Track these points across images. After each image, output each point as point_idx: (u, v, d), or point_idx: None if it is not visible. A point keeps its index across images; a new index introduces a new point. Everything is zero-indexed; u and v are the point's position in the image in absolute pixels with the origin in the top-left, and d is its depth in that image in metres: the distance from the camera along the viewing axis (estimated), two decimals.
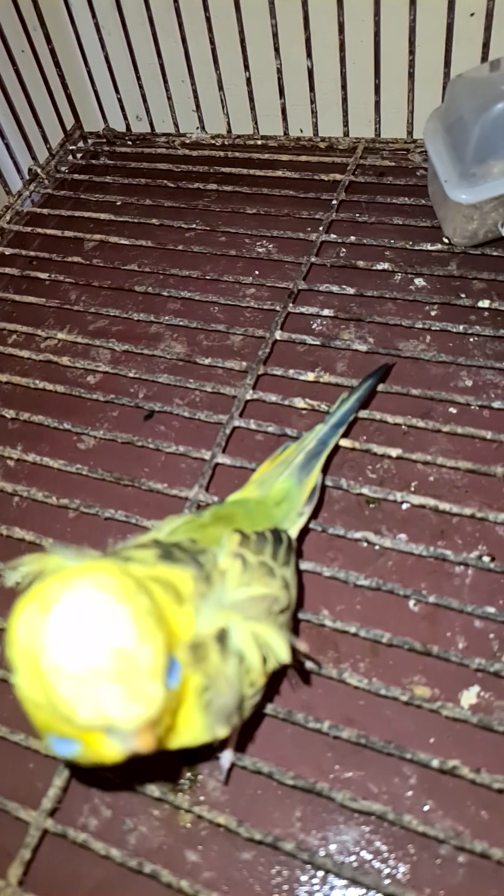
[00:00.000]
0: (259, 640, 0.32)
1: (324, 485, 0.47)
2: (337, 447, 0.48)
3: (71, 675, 0.25)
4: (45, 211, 0.73)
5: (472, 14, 0.63)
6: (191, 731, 0.31)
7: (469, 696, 0.41)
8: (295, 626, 0.43)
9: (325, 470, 0.46)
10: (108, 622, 0.26)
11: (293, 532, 0.42)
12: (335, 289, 0.59)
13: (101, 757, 0.28)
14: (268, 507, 0.42)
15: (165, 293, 0.62)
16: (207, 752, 0.40)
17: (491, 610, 0.41)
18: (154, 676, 0.26)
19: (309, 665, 0.41)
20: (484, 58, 0.62)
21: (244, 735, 0.40)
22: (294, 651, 0.33)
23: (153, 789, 0.38)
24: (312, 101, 0.70)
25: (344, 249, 0.64)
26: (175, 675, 0.28)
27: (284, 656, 0.31)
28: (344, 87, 0.69)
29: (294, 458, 0.44)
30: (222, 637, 0.31)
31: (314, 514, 0.45)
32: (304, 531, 0.45)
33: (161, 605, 0.29)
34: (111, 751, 0.27)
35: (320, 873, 0.37)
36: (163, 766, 0.35)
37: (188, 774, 0.40)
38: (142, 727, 0.26)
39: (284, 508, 0.42)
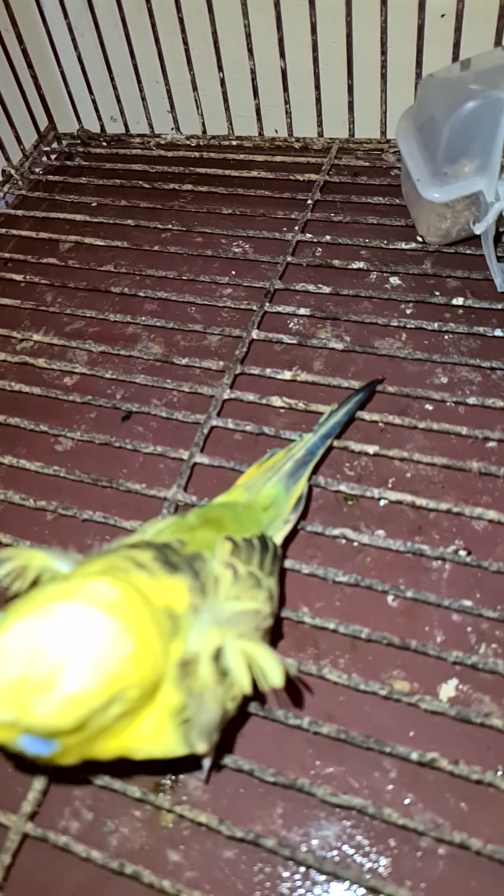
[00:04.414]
0: (250, 659, 0.31)
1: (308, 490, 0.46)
2: (324, 455, 0.48)
3: (20, 634, 0.26)
4: (19, 212, 0.72)
5: (442, 15, 0.64)
6: (162, 745, 0.31)
7: (447, 689, 0.41)
8: (276, 626, 0.43)
9: (309, 478, 0.46)
10: (88, 649, 0.27)
11: (278, 539, 0.42)
12: (311, 288, 0.59)
13: None
14: (255, 512, 0.42)
15: (142, 294, 0.62)
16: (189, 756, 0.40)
17: (468, 603, 0.42)
18: (45, 712, 0.26)
19: (288, 662, 0.41)
20: (455, 58, 0.63)
21: (224, 734, 0.40)
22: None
23: (134, 790, 0.38)
24: (286, 102, 0.71)
25: (320, 249, 0.65)
26: (40, 749, 0.28)
27: (278, 681, 0.31)
28: (317, 88, 0.69)
29: (282, 465, 0.44)
30: (217, 656, 0.31)
31: (299, 519, 0.45)
32: None
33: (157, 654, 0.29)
34: None
35: (302, 869, 0.37)
36: (143, 766, 0.35)
37: (169, 774, 0.40)
38: None
39: (271, 514, 0.42)
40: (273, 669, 0.31)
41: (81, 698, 0.26)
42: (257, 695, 0.39)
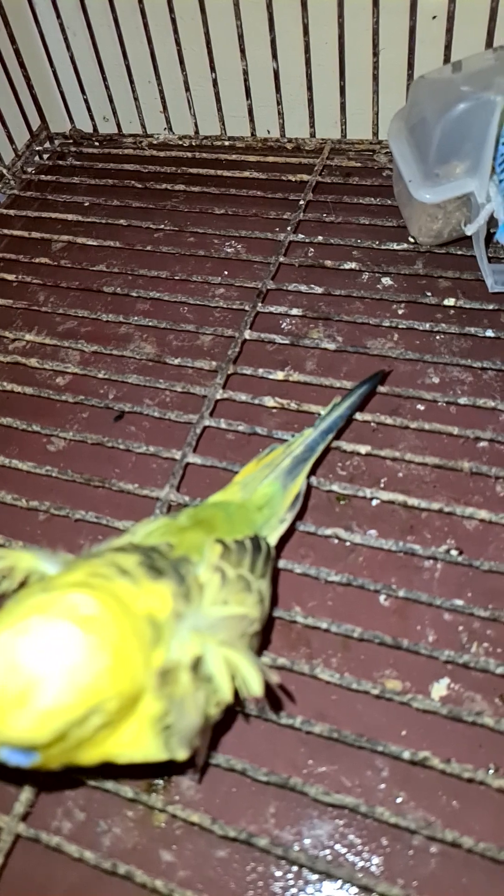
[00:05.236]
0: (232, 667, 0.31)
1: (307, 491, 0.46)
2: (324, 452, 0.47)
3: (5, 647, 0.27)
4: (11, 212, 0.72)
5: (434, 17, 0.64)
6: (142, 751, 0.31)
7: (439, 688, 0.41)
8: (269, 625, 0.44)
9: (308, 475, 0.45)
10: (65, 666, 0.27)
11: (273, 539, 0.42)
12: (304, 288, 0.59)
13: None
14: (249, 512, 0.41)
15: (134, 294, 0.62)
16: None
17: (459, 602, 0.42)
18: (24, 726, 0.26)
19: (281, 661, 0.41)
20: (446, 59, 0.63)
21: (216, 733, 0.40)
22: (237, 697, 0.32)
23: (126, 790, 0.38)
24: (279, 103, 0.71)
25: (312, 249, 0.65)
26: (21, 760, 0.29)
27: (258, 690, 0.31)
28: (310, 89, 0.69)
29: (280, 462, 0.44)
30: (196, 665, 0.31)
31: (296, 518, 0.44)
32: None
33: (135, 666, 0.29)
34: None
35: (294, 868, 0.37)
36: (135, 767, 0.35)
37: (162, 774, 0.40)
38: None
39: (266, 514, 0.42)
40: (253, 678, 0.31)
41: (57, 713, 0.27)
42: (240, 701, 0.39)
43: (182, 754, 0.32)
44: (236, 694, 0.31)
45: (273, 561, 0.40)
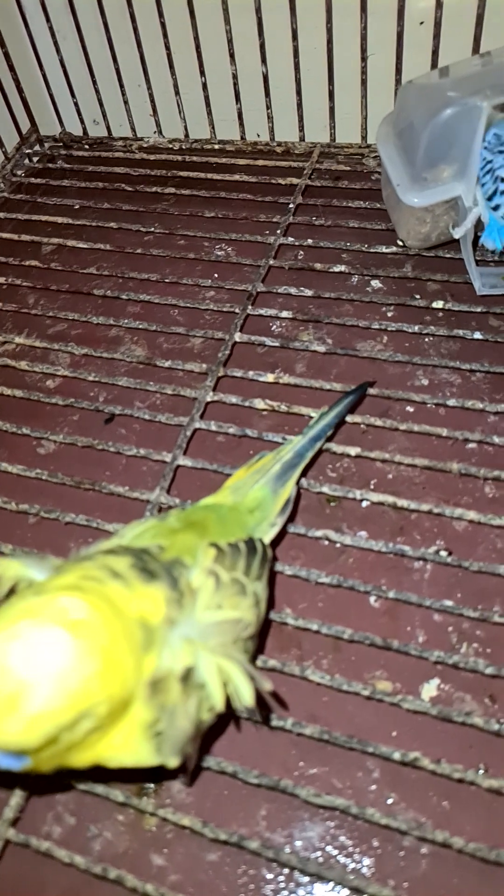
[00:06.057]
0: (225, 675, 0.31)
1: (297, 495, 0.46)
2: (313, 459, 0.48)
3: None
4: (1, 215, 0.72)
5: (421, 23, 0.65)
6: (134, 756, 0.31)
7: (429, 689, 0.41)
8: (263, 628, 0.43)
9: (298, 481, 0.46)
10: (56, 669, 0.27)
11: (264, 542, 0.42)
12: (293, 291, 0.59)
13: None
14: (241, 514, 0.42)
15: (125, 296, 0.62)
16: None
17: (449, 603, 0.42)
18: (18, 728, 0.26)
19: (272, 663, 0.41)
20: (433, 65, 0.64)
21: (208, 735, 0.40)
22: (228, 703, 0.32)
23: (117, 794, 0.38)
24: (268, 107, 0.71)
25: (301, 252, 0.65)
26: (11, 763, 0.29)
27: (249, 701, 0.31)
28: (299, 93, 0.70)
29: (270, 468, 0.44)
30: (187, 676, 0.31)
31: (286, 520, 0.45)
32: None
33: (125, 669, 0.29)
34: None
35: (286, 870, 0.37)
36: (126, 770, 0.35)
37: (153, 778, 0.40)
38: None
39: (258, 517, 0.42)
40: (244, 688, 0.31)
41: (47, 717, 0.27)
42: (231, 708, 0.39)
43: (174, 761, 0.32)
44: (228, 700, 0.31)
45: (270, 562, 0.40)
